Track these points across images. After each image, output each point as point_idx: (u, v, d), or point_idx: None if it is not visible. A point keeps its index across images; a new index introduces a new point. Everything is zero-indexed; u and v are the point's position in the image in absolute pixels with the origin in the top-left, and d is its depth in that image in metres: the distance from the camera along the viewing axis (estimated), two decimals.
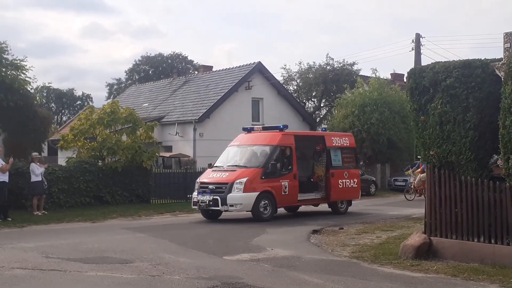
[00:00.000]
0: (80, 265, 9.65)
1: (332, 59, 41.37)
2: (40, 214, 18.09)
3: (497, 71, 9.69)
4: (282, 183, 17.53)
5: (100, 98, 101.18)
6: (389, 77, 41.86)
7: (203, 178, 17.86)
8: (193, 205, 17.72)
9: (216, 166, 18.37)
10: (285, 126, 19.26)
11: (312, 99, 44.06)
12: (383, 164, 35.15)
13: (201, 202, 16.95)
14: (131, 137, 23.34)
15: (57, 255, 10.56)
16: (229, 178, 16.93)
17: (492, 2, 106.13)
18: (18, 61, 22.34)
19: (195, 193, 17.58)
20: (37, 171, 18.32)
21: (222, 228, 15.36)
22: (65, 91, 69.25)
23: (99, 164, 22.44)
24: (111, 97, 58.20)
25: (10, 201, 17.33)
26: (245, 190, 16.60)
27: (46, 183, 18.79)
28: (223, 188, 16.75)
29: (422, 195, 25.18)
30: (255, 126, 20.49)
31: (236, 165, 17.81)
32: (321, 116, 43.74)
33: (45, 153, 28.63)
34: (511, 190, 9.23)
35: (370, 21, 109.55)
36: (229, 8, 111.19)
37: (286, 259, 10.44)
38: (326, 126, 33.10)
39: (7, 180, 16.86)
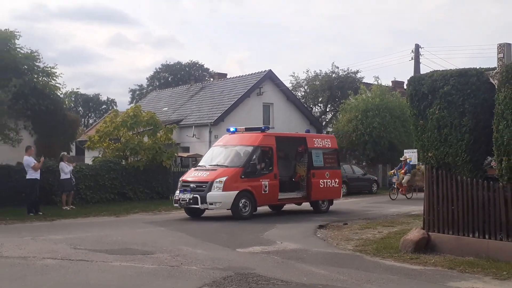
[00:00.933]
0: (106, 256, 9.67)
1: (337, 67, 41.43)
2: (68, 209, 18.18)
3: (491, 79, 9.65)
4: (262, 182, 16.82)
5: (123, 102, 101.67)
6: (390, 84, 41.73)
7: (186, 177, 17.15)
8: (175, 203, 16.91)
9: (199, 166, 17.82)
10: (267, 128, 18.68)
11: (319, 104, 44.02)
12: (384, 165, 35.02)
13: (181, 200, 16.27)
14: (152, 139, 23.46)
15: (84, 247, 10.60)
16: (210, 177, 16.20)
17: (486, 15, 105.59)
18: (49, 69, 22.41)
19: (177, 192, 16.79)
20: (66, 169, 18.44)
21: (235, 223, 15.30)
22: (91, 96, 69.61)
23: (123, 163, 22.57)
24: (134, 101, 58.36)
25: (41, 197, 17.42)
26: (225, 188, 15.88)
27: (74, 180, 18.92)
28: (203, 187, 16.02)
29: (405, 195, 24.84)
30: (239, 128, 19.50)
31: (217, 165, 17.07)
32: (327, 120, 43.68)
33: (73, 153, 28.72)
34: (504, 189, 9.18)
35: (372, 33, 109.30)
36: (242, 21, 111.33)
37: (295, 252, 10.43)
38: (331, 129, 33.07)
39: (38, 178, 16.96)
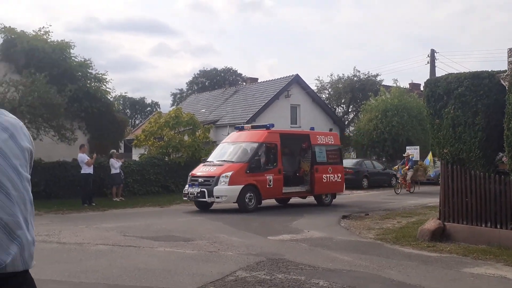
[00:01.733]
0: (151, 242, 9.78)
1: (359, 71, 41.23)
2: (118, 200, 18.43)
3: (502, 81, 9.47)
4: (267, 177, 16.19)
5: (166, 105, 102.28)
6: (408, 86, 41.20)
7: (195, 172, 16.51)
8: (184, 197, 16.34)
9: (208, 161, 17.12)
10: (271, 125, 17.86)
11: (341, 105, 43.70)
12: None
13: (190, 193, 15.75)
14: (192, 137, 23.64)
15: (132, 234, 10.73)
16: (216, 172, 15.65)
17: (497, 22, 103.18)
18: (100, 75, 22.76)
19: (186, 186, 16.30)
20: (115, 165, 18.69)
21: (265, 214, 15.32)
22: (137, 99, 70.27)
23: (166, 159, 22.79)
24: (175, 104, 58.76)
25: (94, 190, 17.67)
26: (230, 183, 15.31)
27: (123, 174, 19.15)
28: (210, 181, 15.46)
29: (409, 189, 23.91)
30: (246, 126, 18.99)
31: (224, 160, 16.43)
32: (349, 119, 43.33)
33: (121, 150, 29.08)
34: None
35: (391, 39, 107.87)
36: (272, 30, 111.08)
37: (321, 240, 10.40)
38: (353, 128, 32.74)
39: (92, 172, 17.22)
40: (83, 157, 17.08)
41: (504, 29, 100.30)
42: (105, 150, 20.78)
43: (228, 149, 17.24)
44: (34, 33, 21.49)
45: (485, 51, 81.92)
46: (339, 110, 43.66)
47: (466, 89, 9.81)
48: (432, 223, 10.34)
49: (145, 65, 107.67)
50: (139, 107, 70.76)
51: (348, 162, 28.72)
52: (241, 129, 18.32)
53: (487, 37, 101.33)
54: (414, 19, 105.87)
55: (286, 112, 32.63)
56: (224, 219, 13.51)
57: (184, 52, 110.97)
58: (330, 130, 20.79)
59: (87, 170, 17.02)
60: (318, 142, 18.32)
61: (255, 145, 16.62)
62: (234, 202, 15.72)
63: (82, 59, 22.24)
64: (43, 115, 17.59)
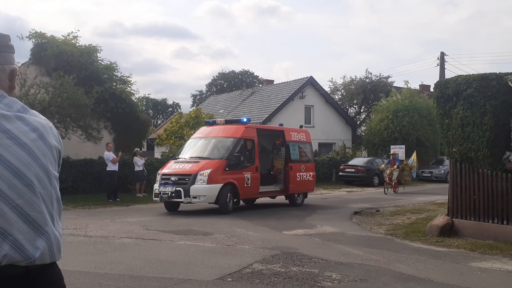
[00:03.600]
0: (172, 235, 9.82)
1: (371, 73, 40.79)
2: (141, 196, 18.49)
3: (509, 83, 9.35)
4: (245, 175, 14.38)
5: (186, 106, 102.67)
6: (418, 87, 40.75)
7: (165, 169, 14.33)
8: (155, 197, 14.07)
9: (178, 158, 14.88)
10: (248, 120, 15.89)
11: (354, 106, 43.38)
12: None
13: (163, 193, 13.57)
14: None
15: (154, 228, 10.79)
16: (192, 170, 13.60)
17: (504, 26, 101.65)
18: (125, 78, 22.92)
19: (156, 185, 14.12)
20: (139, 163, 18.79)
21: (280, 209, 15.24)
22: (159, 100, 70.58)
23: None
24: (195, 105, 58.92)
25: (118, 186, 17.80)
26: (209, 181, 13.38)
27: (146, 171, 19.24)
28: (186, 180, 13.45)
29: (396, 189, 21.84)
30: (217, 120, 17.08)
31: (199, 157, 14.34)
32: (361, 120, 43.04)
33: (144, 149, 29.32)
34: None
35: (402, 42, 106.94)
36: (287, 34, 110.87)
37: (333, 235, 10.35)
38: (365, 128, 32.44)
39: (117, 169, 17.33)
40: (109, 155, 17.22)
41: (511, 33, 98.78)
42: (129, 148, 20.93)
43: (201, 145, 15.15)
44: (63, 38, 21.75)
45: (493, 54, 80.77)
46: (352, 110, 43.38)
47: (474, 90, 9.69)
48: (440, 219, 10.23)
49: (167, 68, 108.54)
50: (161, 107, 71.08)
51: (360, 161, 28.59)
52: (212, 123, 16.21)
53: (495, 41, 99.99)
54: (425, 23, 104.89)
55: (300, 112, 32.58)
56: (241, 215, 13.51)
57: (204, 55, 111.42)
58: (301, 127, 18.70)
59: (112, 167, 17.15)
60: (292, 139, 16.69)
61: (233, 140, 14.59)
62: (210, 203, 13.93)
63: (108, 62, 22.48)
64: (71, 115, 17.78)
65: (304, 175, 16.61)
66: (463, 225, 9.92)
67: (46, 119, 1.95)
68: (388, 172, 21.94)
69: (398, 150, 25.27)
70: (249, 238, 9.68)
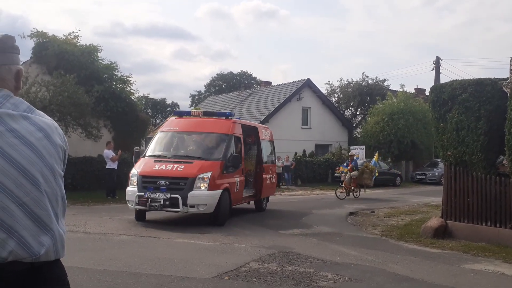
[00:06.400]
0: (170, 233, 9.81)
1: (367, 76, 41.02)
2: None
3: (504, 88, 9.40)
4: (236, 179, 11.89)
5: (185, 106, 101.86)
6: (414, 91, 40.83)
7: (146, 170, 11.05)
8: (135, 205, 10.80)
9: (157, 156, 11.76)
10: (230, 113, 13.12)
11: (350, 108, 43.47)
12: (407, 161, 34.34)
13: (151, 201, 10.52)
14: None
15: (152, 225, 10.77)
16: (189, 172, 10.74)
17: (499, 32, 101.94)
18: (125, 77, 22.89)
19: (131, 188, 10.99)
20: None
21: (276, 210, 15.19)
22: (158, 100, 70.49)
23: None
24: (194, 105, 58.91)
25: (117, 184, 17.77)
26: (210, 187, 10.69)
27: None
28: (181, 184, 10.60)
29: (352, 194, 19.22)
30: (192, 110, 14.57)
31: (187, 156, 11.57)
32: (357, 122, 43.11)
33: (143, 147, 29.29)
34: None
35: (398, 47, 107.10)
36: (286, 37, 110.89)
37: (329, 235, 10.37)
38: (361, 130, 32.26)
39: (116, 168, 17.23)
40: (108, 153, 17.17)
41: (506, 39, 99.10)
42: (128, 147, 20.88)
43: (182, 141, 12.54)
44: (64, 37, 21.71)
45: (488, 59, 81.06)
46: (348, 112, 43.44)
47: (469, 95, 9.73)
48: (435, 221, 10.27)
49: (167, 68, 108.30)
50: (160, 107, 70.95)
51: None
52: (186, 114, 13.22)
53: (490, 47, 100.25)
54: (421, 29, 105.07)
55: (297, 114, 32.62)
56: (239, 214, 13.46)
57: (203, 56, 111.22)
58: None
59: (112, 165, 17.09)
60: (263, 137, 14.42)
61: (224, 137, 11.98)
62: (210, 212, 11.00)
63: (109, 62, 22.44)
64: (72, 114, 17.75)
65: (271, 177, 14.87)
66: (457, 227, 9.95)
67: (51, 119, 1.96)
68: (343, 176, 19.56)
69: (358, 151, 23.54)
70: (246, 237, 9.68)
